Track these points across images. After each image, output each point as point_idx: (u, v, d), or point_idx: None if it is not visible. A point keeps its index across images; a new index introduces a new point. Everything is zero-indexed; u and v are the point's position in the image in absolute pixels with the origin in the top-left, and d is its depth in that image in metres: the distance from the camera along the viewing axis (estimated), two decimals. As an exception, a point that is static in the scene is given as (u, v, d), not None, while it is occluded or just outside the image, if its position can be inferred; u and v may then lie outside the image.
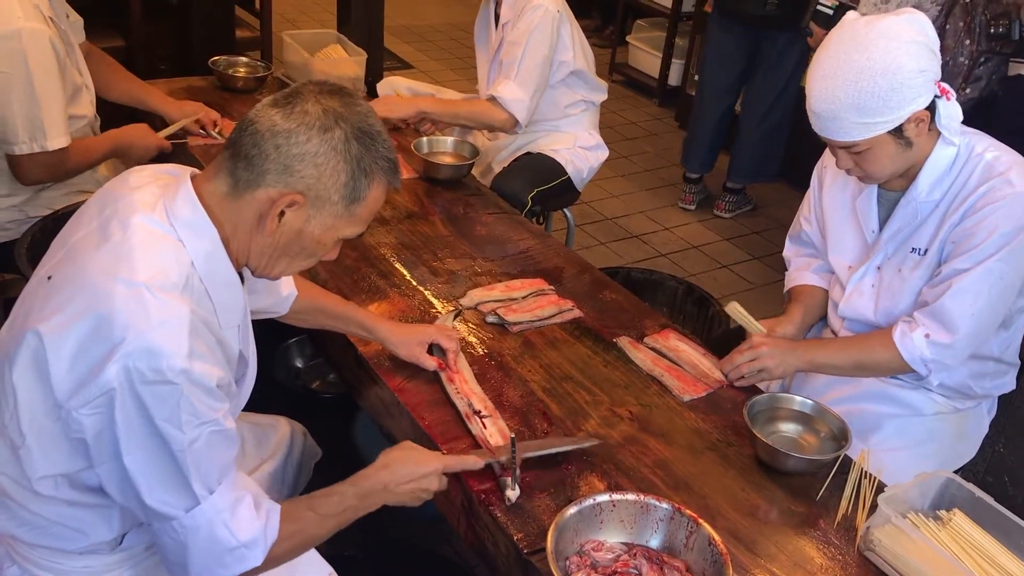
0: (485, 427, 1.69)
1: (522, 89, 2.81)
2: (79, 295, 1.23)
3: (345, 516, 1.46)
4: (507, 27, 2.87)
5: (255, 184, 1.28)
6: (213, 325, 1.30)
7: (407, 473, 1.50)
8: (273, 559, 1.36)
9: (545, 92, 2.94)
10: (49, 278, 1.30)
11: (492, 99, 2.84)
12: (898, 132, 1.73)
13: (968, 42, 2.75)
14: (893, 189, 1.91)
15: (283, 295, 1.75)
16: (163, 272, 1.24)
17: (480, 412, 1.72)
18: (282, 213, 1.29)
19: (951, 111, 1.78)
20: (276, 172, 1.26)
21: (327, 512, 1.44)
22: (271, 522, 1.35)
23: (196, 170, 1.36)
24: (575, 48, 2.94)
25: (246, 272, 1.43)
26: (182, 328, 1.21)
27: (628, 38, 6.08)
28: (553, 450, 1.64)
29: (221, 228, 1.31)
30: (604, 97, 3.15)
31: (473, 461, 1.57)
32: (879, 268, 1.96)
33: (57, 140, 2.15)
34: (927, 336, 1.82)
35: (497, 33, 2.95)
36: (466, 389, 1.79)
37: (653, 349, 1.99)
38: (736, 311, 2.00)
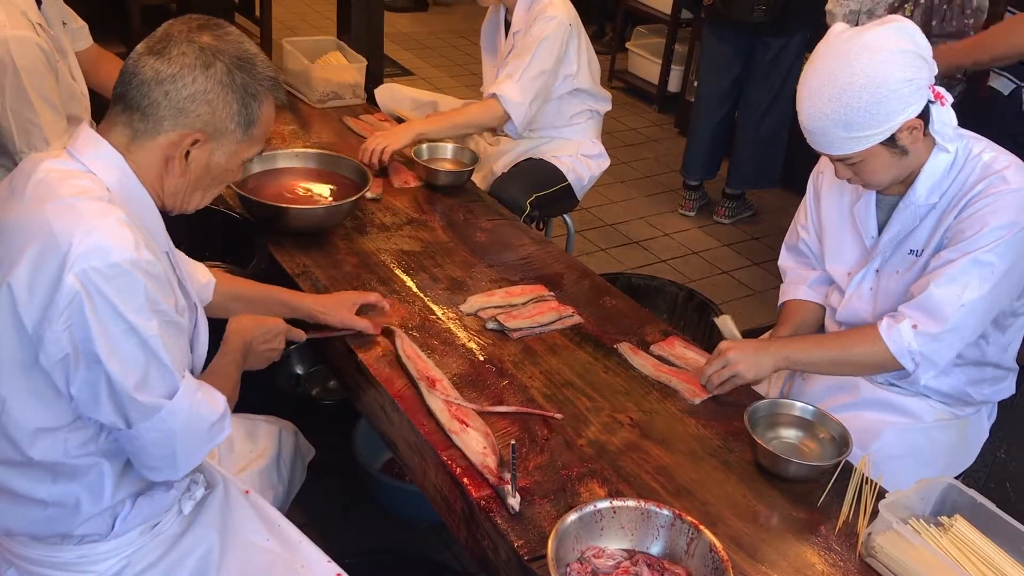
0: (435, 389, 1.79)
1: (523, 94, 2.82)
2: (16, 237, 1.27)
3: (238, 376, 1.62)
4: (519, 36, 2.88)
5: (155, 132, 1.34)
6: (147, 237, 1.34)
7: (262, 335, 1.69)
8: None
9: (551, 103, 2.97)
10: None
11: (493, 96, 2.85)
12: (891, 142, 1.72)
13: None
14: (891, 194, 1.91)
15: (202, 282, 1.78)
16: (85, 189, 1.30)
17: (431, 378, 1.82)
18: (187, 153, 1.36)
19: (944, 117, 1.77)
20: (172, 117, 1.33)
21: (232, 376, 1.60)
22: (218, 394, 1.45)
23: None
24: (580, 64, 2.95)
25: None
26: (121, 223, 1.27)
27: (628, 44, 6.09)
28: (336, 334, 1.90)
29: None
30: (608, 107, 3.17)
31: (298, 334, 1.81)
32: (877, 271, 1.96)
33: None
34: (914, 327, 1.78)
35: (507, 41, 2.95)
36: (416, 359, 1.88)
37: (658, 357, 1.99)
38: (725, 325, 1.99)
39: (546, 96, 2.91)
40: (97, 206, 1.27)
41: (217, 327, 1.65)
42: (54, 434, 1.32)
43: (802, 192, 2.15)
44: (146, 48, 1.34)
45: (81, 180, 1.31)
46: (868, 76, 1.65)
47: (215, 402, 1.42)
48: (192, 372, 1.53)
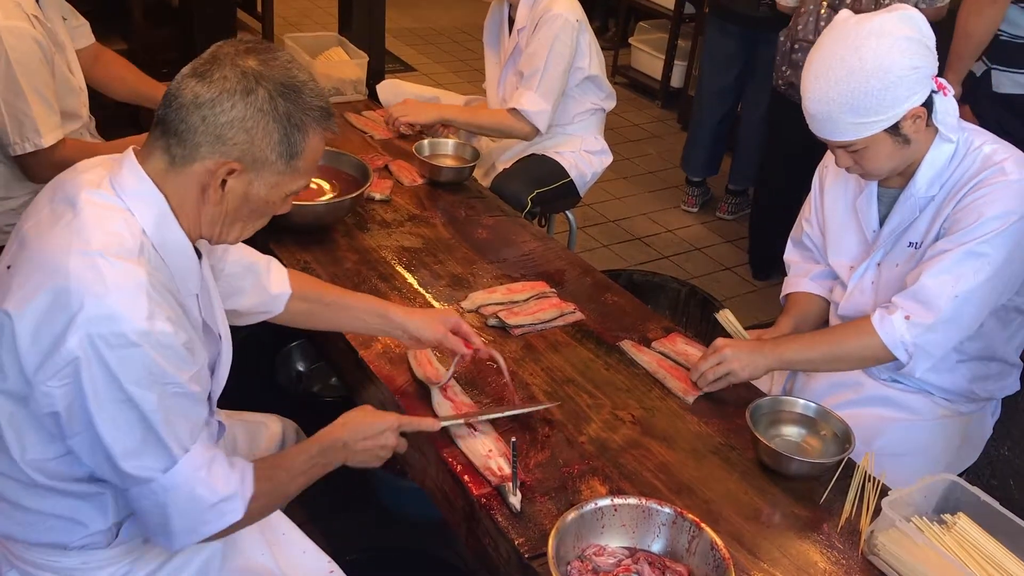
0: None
1: (544, 100, 2.85)
2: (37, 272, 1.24)
3: (312, 473, 1.50)
4: (523, 33, 2.87)
5: (191, 159, 1.28)
6: (174, 291, 1.31)
7: (364, 430, 1.54)
8: (250, 515, 1.38)
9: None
10: (8, 267, 1.30)
11: (514, 111, 2.85)
12: (895, 130, 1.72)
13: None
14: (892, 187, 1.90)
15: (272, 294, 1.71)
16: (117, 239, 1.25)
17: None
18: (224, 182, 1.30)
19: (947, 107, 1.77)
20: (208, 144, 1.26)
21: (296, 470, 1.48)
22: (247, 477, 1.37)
23: (137, 146, 1.35)
24: (591, 55, 2.97)
25: (221, 267, 1.46)
26: (140, 290, 1.22)
27: (630, 40, 6.08)
28: (509, 413, 1.72)
29: (167, 201, 1.31)
30: (613, 104, 3.16)
31: (430, 423, 1.61)
32: (879, 264, 1.95)
33: (50, 135, 2.15)
34: (907, 318, 1.77)
35: (511, 38, 2.94)
36: (427, 365, 1.84)
37: (661, 353, 1.98)
38: (726, 319, 1.99)
39: (564, 91, 2.93)
40: (120, 268, 1.21)
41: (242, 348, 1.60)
42: (50, 461, 1.30)
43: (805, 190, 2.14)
44: (191, 70, 1.29)
45: (116, 222, 1.26)
46: (876, 61, 1.65)
47: (223, 482, 1.33)
48: (210, 397, 1.51)
